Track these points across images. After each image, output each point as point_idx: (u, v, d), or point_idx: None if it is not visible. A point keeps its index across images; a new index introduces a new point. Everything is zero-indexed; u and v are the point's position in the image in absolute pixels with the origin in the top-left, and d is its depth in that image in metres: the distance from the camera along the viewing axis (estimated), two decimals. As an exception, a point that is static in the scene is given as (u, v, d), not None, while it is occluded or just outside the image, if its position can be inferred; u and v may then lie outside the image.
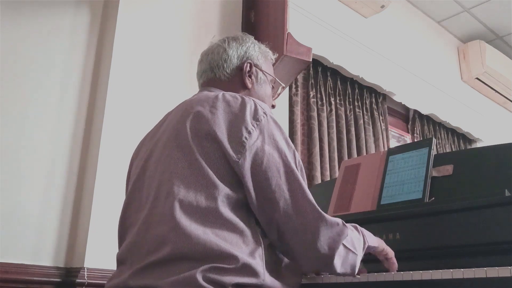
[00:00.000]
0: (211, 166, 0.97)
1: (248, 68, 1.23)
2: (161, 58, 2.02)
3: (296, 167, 1.02)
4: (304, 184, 1.01)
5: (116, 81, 1.85)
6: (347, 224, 1.06)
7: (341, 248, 1.00)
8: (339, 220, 1.02)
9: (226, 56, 1.22)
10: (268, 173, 0.97)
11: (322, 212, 0.99)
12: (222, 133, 0.98)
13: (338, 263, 1.00)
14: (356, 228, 1.10)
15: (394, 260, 1.18)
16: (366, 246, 1.09)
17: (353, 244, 1.04)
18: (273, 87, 1.32)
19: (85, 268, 1.60)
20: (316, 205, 1.00)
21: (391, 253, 1.18)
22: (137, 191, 1.08)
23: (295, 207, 0.98)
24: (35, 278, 1.56)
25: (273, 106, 1.32)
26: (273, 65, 1.36)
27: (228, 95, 1.06)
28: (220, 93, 1.07)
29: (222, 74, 1.22)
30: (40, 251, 1.63)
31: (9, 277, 1.51)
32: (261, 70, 1.26)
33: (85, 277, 1.58)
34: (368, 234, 1.13)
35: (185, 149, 1.00)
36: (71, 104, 1.82)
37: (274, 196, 0.97)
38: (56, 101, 1.79)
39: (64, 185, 1.74)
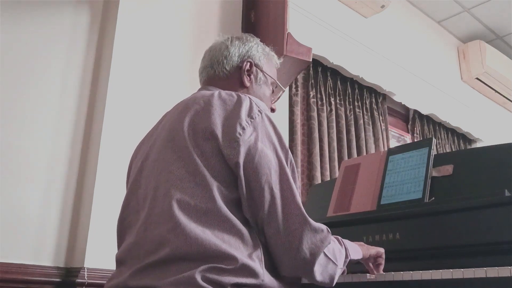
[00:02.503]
0: (208, 165, 0.96)
1: (247, 67, 1.22)
2: (161, 58, 2.02)
3: (288, 167, 1.01)
4: (294, 186, 1.00)
5: (116, 81, 1.85)
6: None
7: (322, 256, 0.98)
8: (323, 227, 1.00)
9: (227, 53, 1.22)
10: (259, 170, 0.96)
11: (308, 217, 0.98)
12: (217, 130, 0.98)
13: (318, 271, 0.99)
14: (338, 240, 1.08)
15: (380, 261, 1.19)
16: (348, 259, 1.08)
17: (334, 254, 1.03)
18: (273, 91, 1.31)
19: (85, 268, 1.60)
20: (302, 208, 0.98)
21: (377, 255, 1.18)
22: (135, 191, 1.08)
23: (281, 207, 0.96)
24: (35, 278, 1.56)
25: (272, 110, 1.31)
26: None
27: (225, 93, 1.06)
28: (217, 92, 1.07)
29: (221, 71, 1.21)
30: (40, 251, 1.63)
31: (9, 277, 1.51)
32: (261, 70, 1.24)
33: (85, 277, 1.58)
34: (351, 246, 1.12)
35: (182, 149, 1.00)
36: (71, 104, 1.82)
37: (261, 193, 0.96)
38: (56, 101, 1.79)
39: (64, 185, 1.74)
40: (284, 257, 0.97)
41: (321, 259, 0.98)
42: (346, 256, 1.08)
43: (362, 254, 1.15)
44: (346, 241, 1.11)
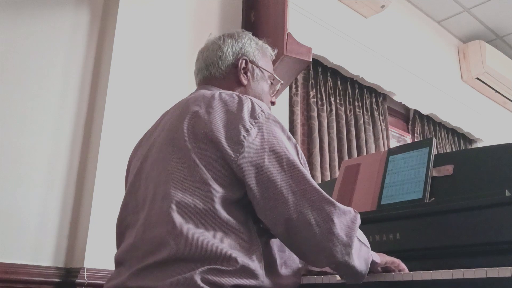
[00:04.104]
0: (208, 167, 0.96)
1: (243, 65, 1.21)
2: (161, 58, 2.02)
3: (300, 160, 1.01)
4: (309, 175, 0.99)
5: (116, 81, 1.85)
6: None
7: (356, 239, 0.98)
8: (350, 208, 1.00)
9: (221, 53, 1.20)
10: (272, 170, 0.95)
11: (334, 201, 0.97)
12: (219, 133, 0.96)
13: (355, 254, 0.98)
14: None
15: (402, 266, 1.16)
16: (370, 259, 1.05)
17: (364, 237, 1.03)
18: (271, 84, 1.29)
19: (85, 268, 1.59)
20: (325, 194, 0.97)
21: (394, 264, 1.15)
22: (134, 192, 1.07)
23: (305, 199, 0.95)
24: (35, 278, 1.56)
25: (272, 103, 1.30)
26: (273, 62, 1.34)
27: (225, 94, 1.05)
28: (217, 92, 1.06)
29: (217, 71, 1.20)
30: (40, 251, 1.63)
31: (9, 277, 1.51)
32: (257, 66, 1.23)
33: (85, 277, 1.57)
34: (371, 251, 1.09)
35: (182, 151, 0.99)
36: (71, 104, 1.82)
37: (281, 192, 0.95)
38: (56, 101, 1.79)
39: (64, 185, 1.74)
40: (321, 247, 0.95)
41: (356, 242, 0.98)
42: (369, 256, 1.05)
43: (380, 261, 1.12)
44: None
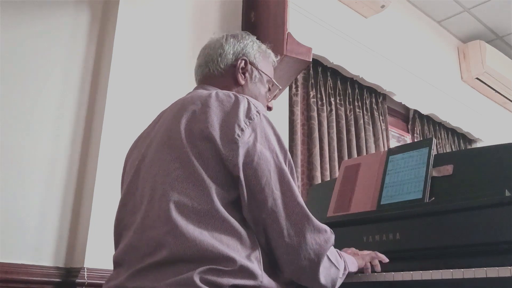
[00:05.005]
0: (205, 167, 0.95)
1: (242, 65, 1.21)
2: (161, 58, 2.02)
3: (287, 167, 1.01)
4: (294, 186, 0.99)
5: (116, 81, 1.85)
6: None
7: (326, 258, 0.99)
8: (327, 227, 1.00)
9: (222, 51, 1.21)
10: (258, 172, 0.96)
11: (311, 216, 0.98)
12: (215, 131, 0.96)
13: (322, 273, 0.99)
14: (337, 252, 1.09)
15: (376, 262, 1.20)
16: (346, 272, 1.08)
17: (337, 259, 1.03)
18: (269, 89, 1.29)
19: (85, 268, 1.59)
20: (305, 207, 0.98)
21: (374, 261, 1.19)
22: (131, 192, 1.07)
23: (283, 207, 0.96)
24: (35, 278, 1.56)
25: (269, 108, 1.30)
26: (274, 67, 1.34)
27: (222, 93, 1.05)
28: (214, 92, 1.06)
29: (215, 69, 1.20)
30: (40, 251, 1.63)
31: (9, 277, 1.51)
32: (256, 68, 1.23)
33: (85, 277, 1.57)
34: (348, 259, 1.12)
35: (179, 150, 0.98)
36: (71, 104, 1.82)
37: (262, 194, 0.95)
38: (56, 101, 1.79)
39: (64, 185, 1.74)
40: (288, 258, 0.96)
41: (325, 262, 0.98)
42: (345, 269, 1.08)
43: (358, 265, 1.16)
44: (343, 254, 1.12)
